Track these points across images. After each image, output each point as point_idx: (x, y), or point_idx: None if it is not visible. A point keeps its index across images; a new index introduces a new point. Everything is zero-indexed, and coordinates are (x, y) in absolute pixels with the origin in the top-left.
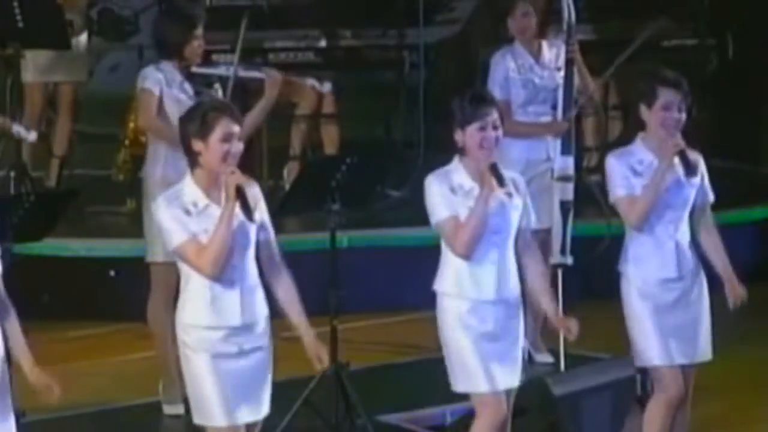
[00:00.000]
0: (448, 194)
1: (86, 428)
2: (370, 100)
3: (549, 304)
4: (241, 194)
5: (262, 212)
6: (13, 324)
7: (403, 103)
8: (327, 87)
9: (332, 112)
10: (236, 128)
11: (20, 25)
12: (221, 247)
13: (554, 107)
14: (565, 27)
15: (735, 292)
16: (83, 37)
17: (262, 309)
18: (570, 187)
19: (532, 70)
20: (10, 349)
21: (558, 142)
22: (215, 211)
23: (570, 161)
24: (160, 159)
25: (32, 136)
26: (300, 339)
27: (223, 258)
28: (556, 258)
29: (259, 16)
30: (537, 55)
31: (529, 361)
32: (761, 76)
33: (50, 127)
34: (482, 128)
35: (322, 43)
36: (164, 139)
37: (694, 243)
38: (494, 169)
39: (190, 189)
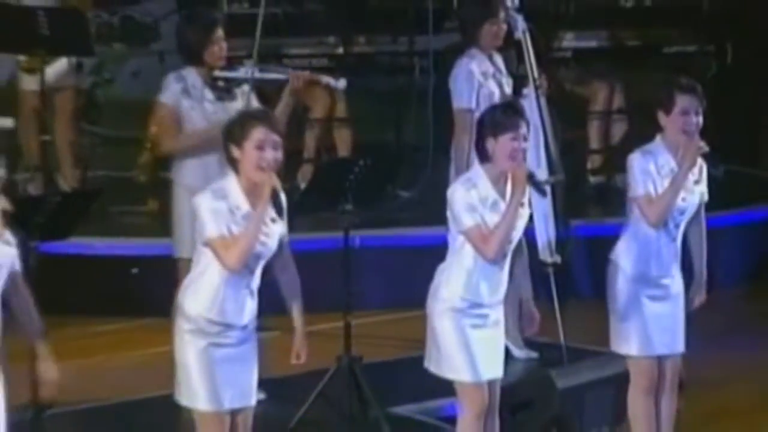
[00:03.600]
0: (474, 203)
1: (110, 419)
2: (382, 105)
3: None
4: (275, 196)
5: (283, 223)
6: (31, 319)
7: (413, 107)
8: (342, 83)
9: (345, 116)
10: (273, 136)
11: (45, 32)
12: (250, 245)
13: None
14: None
15: (699, 297)
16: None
17: (256, 309)
18: (548, 189)
19: (495, 79)
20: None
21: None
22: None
23: (543, 165)
24: (186, 166)
25: (8, 122)
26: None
27: (249, 254)
28: (544, 257)
29: (275, 23)
30: (494, 63)
31: (509, 358)
32: (759, 81)
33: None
34: (514, 138)
35: (336, 50)
36: (190, 149)
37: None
38: (534, 181)
39: (234, 192)
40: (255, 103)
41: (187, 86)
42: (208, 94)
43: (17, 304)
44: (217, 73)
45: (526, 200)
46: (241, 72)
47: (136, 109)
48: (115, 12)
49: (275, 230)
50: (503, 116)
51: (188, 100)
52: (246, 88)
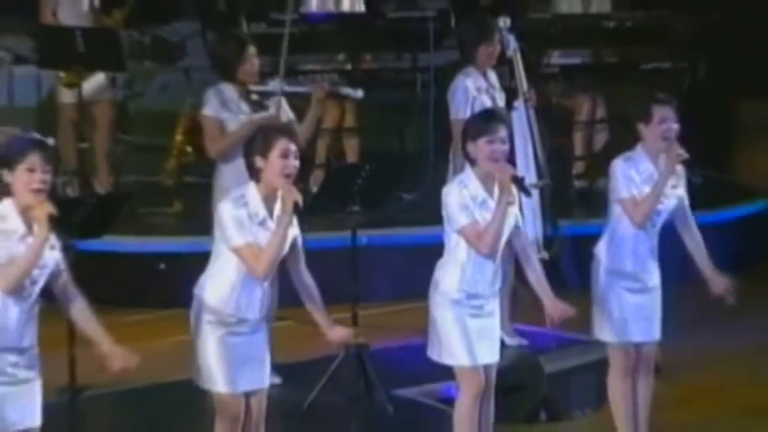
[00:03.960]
0: (466, 203)
1: (138, 401)
2: (387, 115)
3: (547, 293)
4: (296, 209)
5: (295, 226)
6: (81, 309)
7: (415, 118)
8: (359, 93)
9: (353, 126)
10: (293, 146)
11: (81, 50)
12: (276, 255)
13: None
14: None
15: (720, 287)
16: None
17: (269, 302)
18: (536, 192)
19: (489, 94)
20: (84, 331)
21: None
22: (270, 224)
23: (532, 170)
24: (222, 170)
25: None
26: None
27: (276, 263)
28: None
29: (290, 41)
30: (488, 79)
31: (501, 346)
32: (729, 95)
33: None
34: (491, 141)
35: (345, 66)
36: (233, 148)
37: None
38: (518, 182)
39: (253, 199)
40: (288, 111)
41: (225, 100)
42: (244, 107)
43: (66, 301)
44: (251, 87)
45: (515, 199)
46: (271, 86)
47: (163, 120)
48: (146, 32)
49: (290, 234)
50: (480, 122)
51: (227, 113)
52: (277, 98)
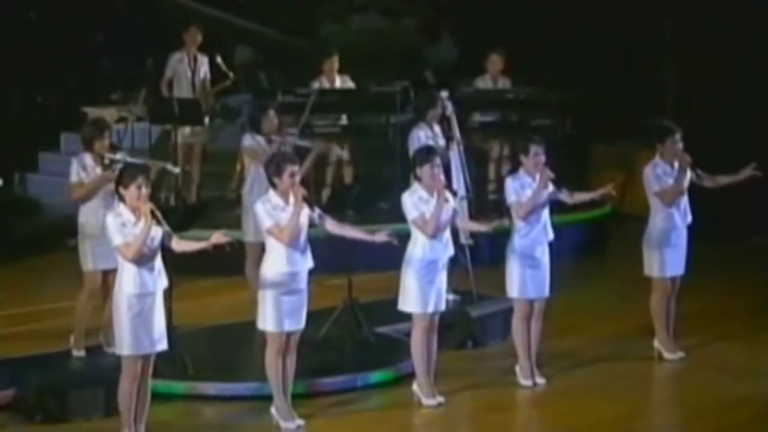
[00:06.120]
0: (416, 202)
1: (212, 335)
2: (370, 154)
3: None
4: (305, 198)
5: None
6: (179, 240)
7: (387, 155)
8: (343, 151)
9: (348, 160)
10: (296, 168)
11: (177, 112)
12: (294, 229)
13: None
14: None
15: (601, 192)
16: (206, 119)
17: (309, 262)
18: (465, 201)
19: (434, 140)
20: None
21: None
22: (288, 208)
23: (462, 188)
24: (250, 183)
25: (177, 170)
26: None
27: (295, 234)
28: (463, 241)
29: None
30: (433, 130)
31: None
32: (585, 141)
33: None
34: (431, 167)
35: (344, 122)
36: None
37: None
38: (449, 188)
39: (273, 198)
40: None
41: (257, 141)
42: (266, 147)
43: (170, 243)
44: (273, 137)
45: (450, 197)
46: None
47: (228, 157)
48: (217, 101)
49: (305, 215)
50: (426, 154)
51: (260, 148)
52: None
